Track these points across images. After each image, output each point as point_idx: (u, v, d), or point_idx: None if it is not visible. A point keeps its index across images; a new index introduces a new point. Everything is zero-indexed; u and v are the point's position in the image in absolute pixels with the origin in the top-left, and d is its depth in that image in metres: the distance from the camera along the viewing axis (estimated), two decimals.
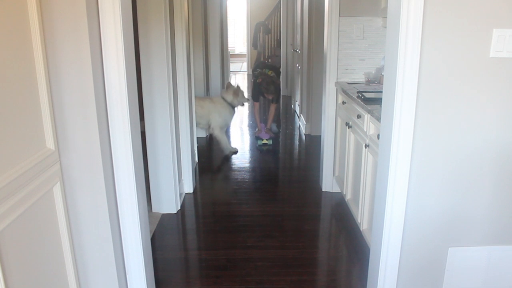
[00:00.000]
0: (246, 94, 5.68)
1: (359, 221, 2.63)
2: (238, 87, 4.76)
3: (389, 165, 1.72)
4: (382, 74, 2.94)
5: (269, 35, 9.52)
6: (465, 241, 1.85)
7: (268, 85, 4.90)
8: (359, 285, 2.27)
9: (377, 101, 2.34)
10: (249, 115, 6.49)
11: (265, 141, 4.96)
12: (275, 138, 5.17)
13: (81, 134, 1.56)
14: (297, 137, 5.35)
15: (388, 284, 1.88)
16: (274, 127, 5.55)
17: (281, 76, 8.07)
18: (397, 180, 1.73)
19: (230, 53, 9.37)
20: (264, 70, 5.12)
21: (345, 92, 2.92)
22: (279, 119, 5.70)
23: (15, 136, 1.27)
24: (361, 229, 2.59)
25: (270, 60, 9.62)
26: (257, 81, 4.98)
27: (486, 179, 1.76)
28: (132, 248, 1.82)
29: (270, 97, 5.01)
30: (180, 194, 3.25)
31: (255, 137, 5.12)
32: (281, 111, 6.82)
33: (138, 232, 1.80)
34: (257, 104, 5.17)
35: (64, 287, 1.58)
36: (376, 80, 3.11)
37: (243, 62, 12.30)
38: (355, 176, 2.78)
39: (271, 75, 5.05)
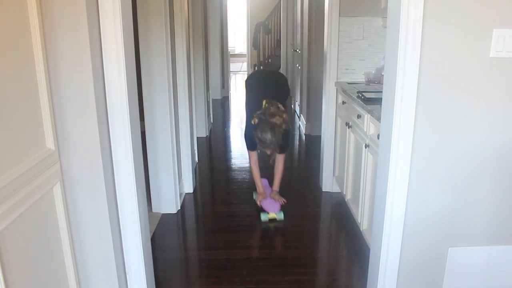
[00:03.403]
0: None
1: (359, 221, 2.63)
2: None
3: (389, 165, 1.72)
4: (382, 74, 2.94)
5: (269, 35, 9.52)
6: (465, 241, 1.85)
7: (263, 132, 2.73)
8: (359, 285, 2.27)
9: (377, 101, 2.34)
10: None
11: (272, 215, 2.97)
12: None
13: (81, 134, 1.56)
14: (297, 137, 5.35)
15: (388, 284, 1.88)
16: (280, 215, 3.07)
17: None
18: (397, 180, 1.73)
19: (230, 53, 9.37)
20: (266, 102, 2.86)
21: (345, 92, 2.92)
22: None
23: (15, 136, 1.27)
24: (361, 229, 2.59)
25: (270, 60, 9.63)
26: (252, 122, 2.83)
27: (486, 179, 1.76)
28: (132, 248, 1.82)
29: (269, 152, 2.94)
30: (180, 194, 3.25)
31: (259, 208, 3.10)
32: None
33: (138, 232, 1.80)
34: (253, 154, 3.11)
35: (64, 287, 1.58)
36: (376, 80, 3.11)
37: (243, 62, 12.30)
38: (355, 176, 2.78)
39: (275, 111, 2.77)
